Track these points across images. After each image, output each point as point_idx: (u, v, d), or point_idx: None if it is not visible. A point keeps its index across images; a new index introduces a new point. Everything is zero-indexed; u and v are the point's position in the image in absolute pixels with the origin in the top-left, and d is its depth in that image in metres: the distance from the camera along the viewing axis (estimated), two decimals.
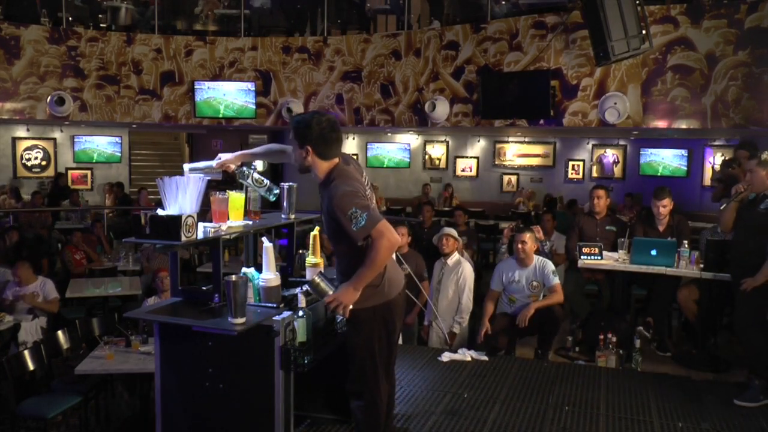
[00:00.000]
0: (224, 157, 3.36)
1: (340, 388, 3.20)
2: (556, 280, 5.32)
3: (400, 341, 5.07)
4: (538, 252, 6.16)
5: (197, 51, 9.69)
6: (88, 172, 13.40)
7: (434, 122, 8.85)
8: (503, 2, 8.70)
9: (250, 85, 9.59)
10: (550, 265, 5.40)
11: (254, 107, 9.61)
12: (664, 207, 5.75)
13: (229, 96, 9.64)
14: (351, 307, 2.89)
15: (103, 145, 13.50)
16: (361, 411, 3.06)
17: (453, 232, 5.87)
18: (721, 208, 5.13)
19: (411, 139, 14.00)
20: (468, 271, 5.69)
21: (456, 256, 5.76)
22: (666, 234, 5.76)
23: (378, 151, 14.16)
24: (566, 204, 11.71)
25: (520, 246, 5.36)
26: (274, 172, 12.37)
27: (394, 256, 3.07)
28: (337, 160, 2.95)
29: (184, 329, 2.99)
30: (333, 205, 2.78)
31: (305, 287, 3.05)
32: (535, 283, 5.36)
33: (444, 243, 5.75)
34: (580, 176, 13.24)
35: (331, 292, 2.88)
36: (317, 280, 2.92)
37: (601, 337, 5.34)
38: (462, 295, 5.60)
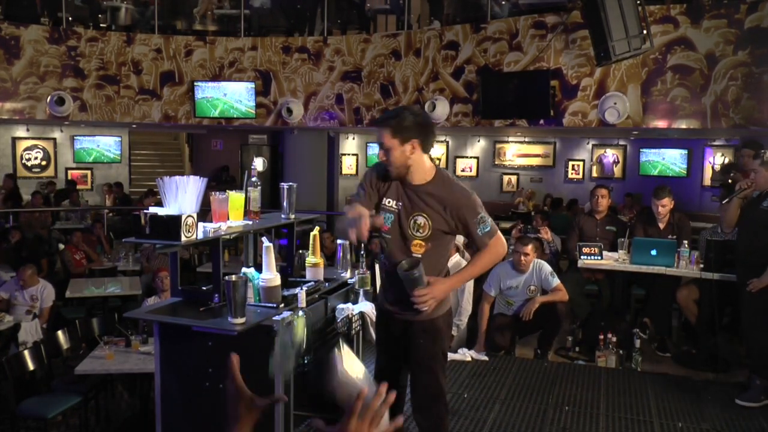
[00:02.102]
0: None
1: None
2: (556, 281, 5.32)
3: None
4: (545, 253, 6.16)
5: (197, 51, 9.68)
6: (88, 172, 13.41)
7: (434, 122, 8.83)
8: (503, 2, 8.69)
9: (250, 85, 9.58)
10: (548, 267, 5.39)
11: (254, 108, 9.60)
12: (664, 207, 5.74)
13: (229, 96, 9.63)
14: (432, 315, 2.81)
15: (103, 145, 13.51)
16: (437, 422, 2.92)
17: None
18: (724, 202, 5.14)
19: None
20: None
21: (456, 257, 5.75)
22: (667, 231, 5.75)
23: (378, 150, 14.14)
24: (566, 204, 11.70)
25: (522, 259, 5.33)
26: (274, 171, 12.33)
27: None
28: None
29: (184, 329, 2.99)
30: (462, 205, 2.75)
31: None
32: (532, 287, 5.36)
33: None
34: (580, 176, 13.25)
35: (426, 283, 2.74)
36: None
37: (601, 337, 5.34)
38: (461, 297, 5.57)
